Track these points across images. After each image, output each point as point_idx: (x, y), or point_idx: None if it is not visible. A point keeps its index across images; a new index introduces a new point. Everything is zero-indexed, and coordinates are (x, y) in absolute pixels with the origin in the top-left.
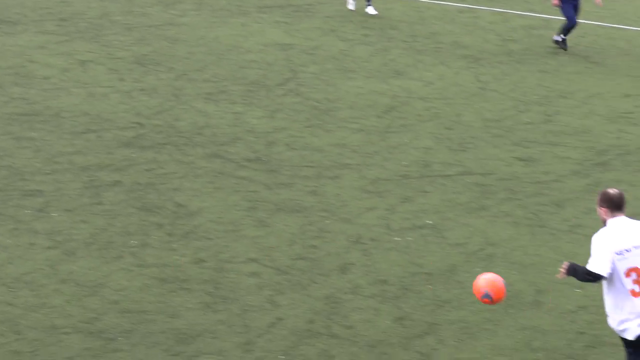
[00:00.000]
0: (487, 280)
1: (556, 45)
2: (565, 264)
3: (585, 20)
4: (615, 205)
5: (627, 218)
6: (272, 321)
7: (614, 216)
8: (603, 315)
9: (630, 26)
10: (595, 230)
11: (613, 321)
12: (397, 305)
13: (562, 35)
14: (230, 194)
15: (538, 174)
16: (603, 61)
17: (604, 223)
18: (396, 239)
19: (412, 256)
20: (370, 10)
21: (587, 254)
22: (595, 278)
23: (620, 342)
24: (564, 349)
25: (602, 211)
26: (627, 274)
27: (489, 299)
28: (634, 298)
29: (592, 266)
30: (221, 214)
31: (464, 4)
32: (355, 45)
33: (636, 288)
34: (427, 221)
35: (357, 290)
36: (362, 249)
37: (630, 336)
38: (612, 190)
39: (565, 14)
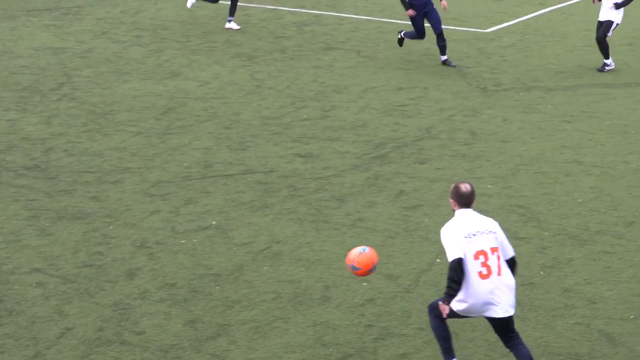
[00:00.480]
0: (354, 254)
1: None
2: (441, 307)
3: (355, 15)
4: (464, 202)
5: (472, 211)
6: (61, 331)
7: (461, 208)
8: (390, 307)
9: (398, 20)
10: (375, 222)
11: (457, 303)
12: (187, 309)
13: (402, 34)
14: (10, 203)
15: (319, 169)
16: (375, 55)
17: (453, 212)
18: (182, 241)
19: (199, 258)
20: (233, 25)
21: (370, 246)
22: (458, 265)
23: (407, 333)
24: (354, 343)
25: (451, 202)
26: (476, 257)
27: (357, 270)
28: (480, 280)
29: (450, 255)
30: (1, 224)
31: None
32: (129, 47)
33: (483, 270)
34: (212, 222)
35: (145, 295)
36: (148, 253)
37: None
38: (464, 187)
39: (415, 25)
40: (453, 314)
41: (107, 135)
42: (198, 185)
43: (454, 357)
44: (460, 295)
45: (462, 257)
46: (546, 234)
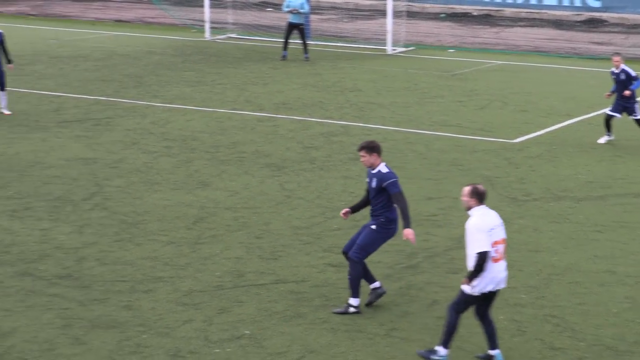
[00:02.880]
0: None
1: None
2: (463, 281)
3: (382, 125)
4: (483, 198)
5: (486, 207)
6: None
7: (479, 205)
8: None
9: (426, 130)
10: (409, 332)
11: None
12: None
13: None
14: (43, 312)
15: None
16: (403, 165)
17: (468, 210)
18: (216, 350)
19: None
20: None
21: (404, 358)
22: (485, 256)
23: None
24: None
25: (471, 201)
26: (493, 245)
27: None
28: (493, 263)
29: (480, 247)
30: (35, 333)
31: (262, 112)
32: (159, 157)
33: (496, 255)
34: (245, 331)
35: None
36: None
37: (489, 289)
38: (481, 187)
39: None
40: (470, 299)
41: (139, 244)
42: (231, 295)
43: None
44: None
45: (489, 250)
46: (582, 344)
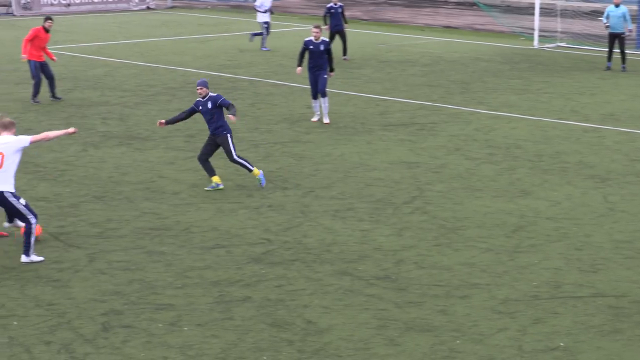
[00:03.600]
0: None
1: None
2: None
3: None
4: None
5: None
6: None
7: None
8: None
9: None
10: None
11: None
12: None
13: None
14: (360, 311)
15: None
16: None
17: None
18: None
19: None
20: None
21: None
22: None
23: None
24: None
25: None
26: None
27: None
28: None
29: None
30: (351, 331)
31: (588, 123)
32: (481, 164)
33: None
34: (560, 343)
35: None
36: None
37: None
38: None
39: None
40: None
41: (457, 250)
42: (547, 305)
43: None
44: None
45: None
46: None
